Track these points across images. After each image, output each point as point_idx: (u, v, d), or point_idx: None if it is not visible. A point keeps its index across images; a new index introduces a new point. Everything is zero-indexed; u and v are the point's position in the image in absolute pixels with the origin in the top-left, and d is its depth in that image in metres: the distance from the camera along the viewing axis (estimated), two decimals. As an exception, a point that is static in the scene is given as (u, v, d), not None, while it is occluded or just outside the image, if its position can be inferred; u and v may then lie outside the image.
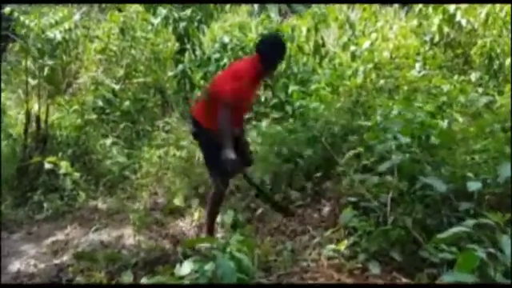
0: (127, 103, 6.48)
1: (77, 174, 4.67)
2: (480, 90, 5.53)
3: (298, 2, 6.86)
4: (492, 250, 2.04)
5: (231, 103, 3.25)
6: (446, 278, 1.74)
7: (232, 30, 7.66)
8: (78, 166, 4.84)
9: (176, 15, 6.81)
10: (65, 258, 3.56)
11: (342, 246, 3.01)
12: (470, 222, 1.90)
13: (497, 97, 5.40)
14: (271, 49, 3.43)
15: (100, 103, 6.29)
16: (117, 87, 6.69)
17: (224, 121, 3.24)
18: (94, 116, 5.89)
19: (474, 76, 5.77)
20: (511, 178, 2.43)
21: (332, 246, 3.05)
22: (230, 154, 3.21)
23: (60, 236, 3.96)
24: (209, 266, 2.45)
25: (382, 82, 5.74)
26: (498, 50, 5.65)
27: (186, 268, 2.60)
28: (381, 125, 4.05)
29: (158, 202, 4.55)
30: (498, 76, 5.76)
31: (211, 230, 3.60)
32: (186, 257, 3.30)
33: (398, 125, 3.24)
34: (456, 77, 5.63)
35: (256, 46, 3.54)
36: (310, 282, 2.81)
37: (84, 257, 3.38)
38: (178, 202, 4.33)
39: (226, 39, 6.28)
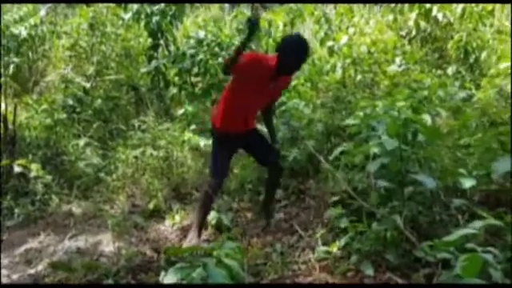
0: (99, 101, 6.25)
1: (48, 177, 4.44)
2: (457, 83, 5.56)
3: (283, 2, 6.76)
4: (496, 252, 2.00)
5: (236, 61, 3.14)
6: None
7: (205, 25, 7.50)
8: (49, 169, 4.59)
9: (148, 10, 6.58)
10: (39, 267, 3.34)
11: (334, 248, 2.93)
12: (478, 223, 1.83)
13: (474, 90, 5.46)
14: (289, 51, 3.20)
15: (70, 102, 6.03)
16: (87, 85, 6.44)
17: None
18: (64, 115, 5.62)
19: (450, 70, 5.80)
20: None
21: (324, 248, 2.97)
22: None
23: (33, 244, 3.73)
24: (197, 274, 2.32)
25: (359, 77, 5.72)
26: (474, 44, 5.69)
27: (171, 276, 2.44)
28: (365, 122, 4.01)
29: (136, 205, 4.37)
30: (474, 70, 5.81)
31: (199, 230, 3.46)
32: (169, 263, 3.18)
33: (383, 123, 3.17)
34: (434, 71, 5.65)
35: (277, 45, 3.34)
36: (303, 286, 2.73)
37: (60, 266, 3.18)
38: (157, 204, 4.17)
39: (202, 34, 6.10)
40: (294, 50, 3.21)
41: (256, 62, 3.28)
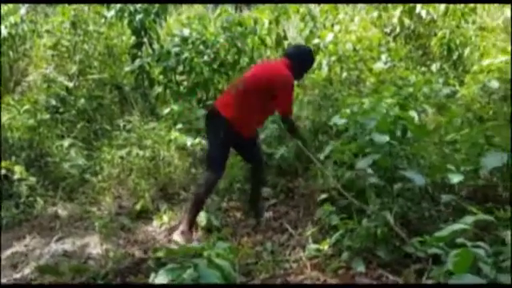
0: (82, 101, 6.16)
1: (33, 179, 4.37)
2: (441, 80, 5.62)
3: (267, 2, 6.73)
4: (486, 246, 2.02)
5: (291, 114, 3.63)
6: (453, 281, 1.66)
7: (189, 23, 7.43)
8: (33, 171, 4.52)
9: (131, 8, 6.49)
10: (26, 271, 3.28)
11: (325, 245, 2.93)
12: (469, 218, 1.85)
13: (457, 87, 5.52)
14: (305, 59, 3.66)
15: (53, 102, 5.92)
16: (70, 84, 6.34)
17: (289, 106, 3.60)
18: (47, 116, 5.52)
19: (434, 67, 5.85)
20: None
21: (314, 246, 2.97)
22: None
23: (19, 247, 3.66)
24: (188, 275, 2.29)
25: (345, 74, 5.73)
26: (458, 41, 5.75)
27: (161, 277, 2.41)
28: (353, 119, 4.02)
29: (122, 206, 4.31)
30: (458, 66, 5.87)
31: (190, 227, 3.44)
32: (159, 265, 3.14)
33: (373, 120, 3.18)
34: (418, 68, 5.70)
35: (289, 53, 3.66)
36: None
37: (47, 270, 3.13)
38: (144, 204, 4.12)
39: (186, 32, 6.04)
40: (307, 55, 3.71)
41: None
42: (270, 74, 3.53)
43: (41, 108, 5.60)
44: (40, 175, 4.53)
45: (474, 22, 6.28)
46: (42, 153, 4.84)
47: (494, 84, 5.00)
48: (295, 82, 3.66)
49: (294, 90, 3.77)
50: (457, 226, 1.84)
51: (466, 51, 5.80)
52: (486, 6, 7.52)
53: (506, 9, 7.61)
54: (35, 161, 4.72)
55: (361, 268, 2.71)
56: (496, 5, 7.77)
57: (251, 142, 3.66)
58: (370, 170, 3.10)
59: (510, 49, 5.66)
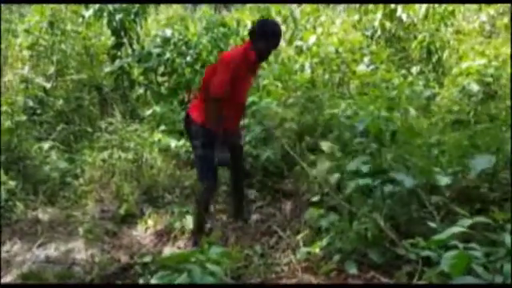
0: (61, 102, 6.02)
1: (12, 183, 4.23)
2: (421, 83, 5.71)
3: (248, 2, 6.73)
4: (477, 248, 2.04)
5: (221, 95, 3.13)
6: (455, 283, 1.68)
7: (170, 24, 7.36)
8: (12, 174, 4.37)
9: (111, 7, 6.38)
10: (8, 278, 3.17)
11: (316, 248, 2.92)
12: (466, 221, 1.87)
13: (437, 89, 5.62)
14: (264, 35, 3.20)
15: (31, 103, 5.77)
16: (48, 85, 6.19)
17: (212, 113, 3.17)
18: (24, 117, 5.36)
19: (414, 70, 5.94)
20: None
21: (306, 249, 2.96)
22: (222, 150, 3.20)
23: (-1, 254, 3.54)
24: (181, 281, 2.26)
25: (327, 76, 5.77)
26: (437, 45, 5.85)
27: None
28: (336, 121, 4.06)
29: (105, 210, 4.21)
30: (437, 69, 5.97)
31: (196, 238, 3.39)
32: (145, 270, 3.09)
33: (362, 122, 3.20)
34: (398, 71, 5.77)
35: (249, 32, 3.31)
36: None
37: (31, 277, 3.04)
38: (129, 208, 4.05)
39: (169, 33, 5.97)
40: (275, 34, 3.24)
41: (241, 60, 3.22)
42: (204, 78, 3.40)
43: (18, 109, 5.43)
44: (19, 179, 4.38)
45: (452, 25, 6.41)
46: (21, 156, 4.70)
47: (474, 87, 5.11)
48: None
49: (237, 71, 3.22)
50: (455, 229, 1.85)
51: (445, 54, 5.91)
52: (462, 9, 7.70)
53: (481, 13, 7.82)
54: (14, 164, 4.57)
55: (353, 270, 2.71)
56: (472, 8, 7.96)
57: (234, 138, 3.53)
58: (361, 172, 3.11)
59: (487, 52, 5.80)
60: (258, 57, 3.26)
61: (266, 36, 3.21)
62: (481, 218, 1.90)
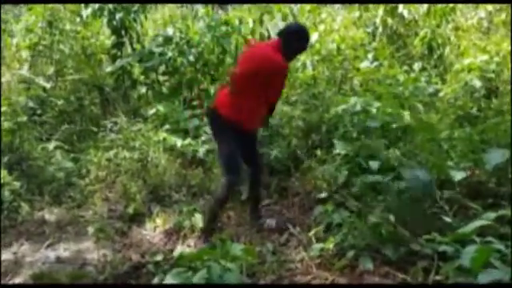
0: (61, 102, 5.99)
1: (16, 184, 4.19)
2: (423, 79, 5.73)
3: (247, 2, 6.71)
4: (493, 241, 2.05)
5: (286, 71, 3.21)
6: (482, 278, 1.68)
7: (169, 23, 7.32)
8: (16, 175, 4.34)
9: (111, 6, 6.34)
10: (17, 279, 3.14)
11: (330, 244, 2.93)
12: (491, 214, 1.87)
13: (439, 85, 5.64)
14: (297, 37, 3.26)
15: (31, 103, 5.73)
16: (48, 85, 6.14)
17: (261, 116, 3.38)
18: (25, 118, 5.32)
19: (416, 66, 5.96)
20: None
21: (319, 245, 2.96)
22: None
23: (6, 255, 3.49)
24: (198, 278, 2.25)
25: (327, 73, 5.78)
26: (439, 41, 5.88)
27: (169, 282, 2.36)
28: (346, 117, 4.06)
29: (112, 209, 4.19)
30: (439, 65, 6.00)
31: (208, 234, 3.39)
32: (158, 269, 3.08)
33: (374, 120, 3.21)
34: (401, 67, 5.78)
35: (281, 33, 3.30)
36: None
37: (43, 277, 3.02)
38: (137, 207, 4.03)
39: (170, 32, 5.95)
40: (300, 33, 3.29)
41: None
42: (259, 59, 3.28)
43: (18, 110, 5.39)
44: (23, 179, 4.35)
45: (453, 21, 6.44)
46: (24, 156, 4.66)
47: (476, 83, 5.13)
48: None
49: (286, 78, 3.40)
50: (477, 223, 1.86)
51: (446, 50, 5.94)
52: (461, 5, 7.73)
53: (479, 9, 7.85)
54: (17, 164, 4.53)
55: (369, 266, 2.72)
56: (470, 5, 7.99)
57: (251, 137, 3.52)
58: (371, 168, 3.12)
59: (488, 48, 5.84)
60: (287, 57, 3.25)
61: (293, 43, 3.25)
62: (503, 212, 1.90)
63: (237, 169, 3.30)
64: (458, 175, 2.76)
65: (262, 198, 4.09)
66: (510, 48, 5.65)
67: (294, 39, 3.25)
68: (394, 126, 3.31)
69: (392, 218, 2.86)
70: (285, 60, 3.20)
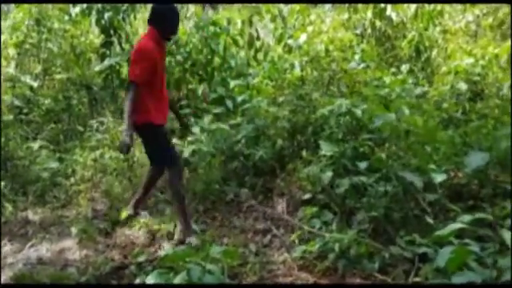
0: (48, 101, 5.95)
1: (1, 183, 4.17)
2: (410, 81, 5.76)
3: (235, 2, 6.72)
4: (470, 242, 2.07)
5: (142, 82, 3.23)
6: (456, 279, 1.70)
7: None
8: (1, 174, 4.30)
9: (99, 5, 6.30)
10: (-1, 280, 3.12)
11: (312, 247, 2.93)
12: (467, 217, 1.89)
13: (426, 88, 5.67)
14: (166, 16, 3.32)
15: (17, 102, 5.68)
16: (35, 84, 6.10)
17: (129, 101, 3.22)
18: (10, 117, 5.28)
19: (404, 68, 5.99)
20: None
21: (302, 247, 2.96)
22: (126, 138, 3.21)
23: (-12, 255, 3.47)
24: (178, 280, 2.25)
25: (315, 74, 5.78)
26: (427, 43, 5.91)
27: (151, 281, 2.35)
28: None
29: (97, 209, 4.17)
30: (426, 68, 6.03)
31: (187, 222, 3.44)
32: (140, 270, 3.07)
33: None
34: (388, 69, 5.81)
35: (150, 19, 3.36)
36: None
37: (24, 278, 2.99)
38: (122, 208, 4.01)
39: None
40: (176, 14, 3.38)
41: (153, 51, 3.28)
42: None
43: (4, 109, 5.35)
44: (7, 179, 4.32)
45: (440, 24, 6.48)
46: (8, 156, 4.63)
47: (462, 86, 5.17)
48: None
49: (153, 58, 3.29)
50: (455, 225, 1.88)
51: (434, 53, 5.97)
52: (448, 8, 7.78)
53: (467, 13, 7.91)
54: (2, 164, 4.49)
55: (349, 269, 2.73)
56: (458, 8, 8.05)
57: (145, 132, 3.48)
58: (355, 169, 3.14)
59: (474, 51, 5.88)
60: (165, 36, 3.37)
61: (162, 23, 3.31)
62: (481, 215, 1.92)
63: (178, 158, 3.56)
64: (439, 177, 2.79)
65: (247, 198, 4.10)
66: (496, 51, 5.71)
67: (160, 20, 3.31)
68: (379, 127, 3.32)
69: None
70: (164, 39, 3.36)
